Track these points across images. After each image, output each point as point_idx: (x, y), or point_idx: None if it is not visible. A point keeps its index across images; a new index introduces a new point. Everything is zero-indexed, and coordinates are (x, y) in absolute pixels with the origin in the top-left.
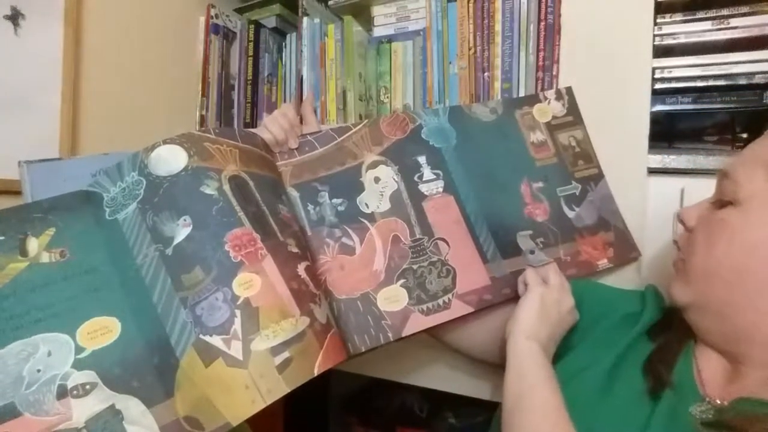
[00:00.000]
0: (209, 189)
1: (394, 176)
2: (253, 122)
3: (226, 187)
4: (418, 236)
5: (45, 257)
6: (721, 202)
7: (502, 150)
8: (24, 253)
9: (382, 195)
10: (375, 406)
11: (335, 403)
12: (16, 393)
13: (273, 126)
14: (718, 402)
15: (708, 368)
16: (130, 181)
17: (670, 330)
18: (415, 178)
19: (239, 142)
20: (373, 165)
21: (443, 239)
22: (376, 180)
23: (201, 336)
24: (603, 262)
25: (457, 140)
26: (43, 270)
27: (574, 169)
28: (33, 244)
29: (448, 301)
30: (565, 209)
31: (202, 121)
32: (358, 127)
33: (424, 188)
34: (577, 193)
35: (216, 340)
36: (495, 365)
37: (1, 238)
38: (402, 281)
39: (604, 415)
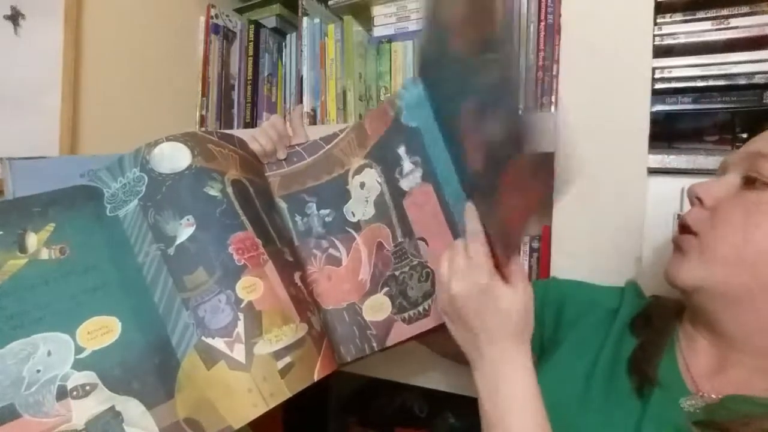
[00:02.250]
0: (213, 190)
1: (378, 178)
2: (253, 122)
3: (230, 190)
4: (399, 240)
5: (44, 254)
6: (754, 183)
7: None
8: (23, 249)
9: (367, 201)
10: (374, 407)
11: (335, 403)
12: (16, 394)
13: (262, 137)
14: (710, 396)
15: (694, 361)
16: (131, 177)
17: (650, 325)
18: (396, 174)
19: (238, 149)
20: (359, 170)
21: (422, 238)
22: (362, 185)
23: (203, 338)
24: None
25: (432, 103)
26: (42, 267)
27: None
28: (32, 240)
29: (427, 307)
30: None
31: (202, 121)
32: (345, 133)
33: (404, 183)
34: None
35: (218, 343)
36: None
37: (0, 232)
38: (386, 290)
39: (594, 418)
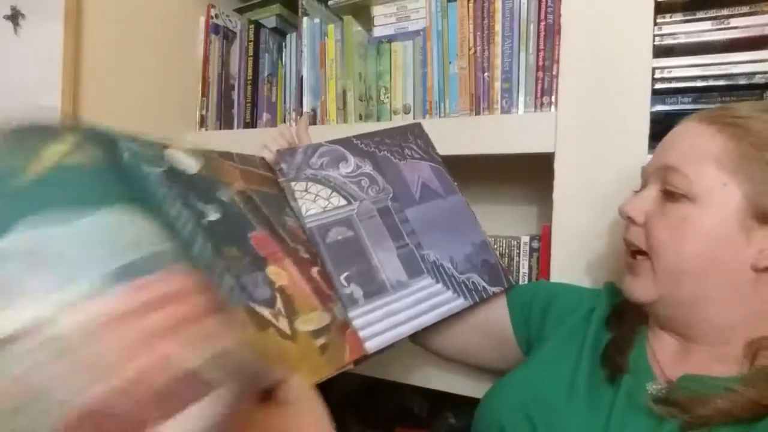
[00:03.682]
0: (224, 196)
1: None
2: (253, 122)
3: (237, 199)
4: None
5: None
6: (672, 196)
7: None
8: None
9: None
10: (374, 407)
11: (334, 403)
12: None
13: (273, 146)
14: (673, 380)
15: (661, 350)
16: (150, 154)
17: (623, 321)
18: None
19: (238, 164)
20: None
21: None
22: None
23: (250, 303)
24: None
25: None
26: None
27: None
28: (52, 151)
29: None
30: None
31: (202, 121)
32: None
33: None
34: None
35: (265, 312)
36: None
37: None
38: None
39: (579, 409)
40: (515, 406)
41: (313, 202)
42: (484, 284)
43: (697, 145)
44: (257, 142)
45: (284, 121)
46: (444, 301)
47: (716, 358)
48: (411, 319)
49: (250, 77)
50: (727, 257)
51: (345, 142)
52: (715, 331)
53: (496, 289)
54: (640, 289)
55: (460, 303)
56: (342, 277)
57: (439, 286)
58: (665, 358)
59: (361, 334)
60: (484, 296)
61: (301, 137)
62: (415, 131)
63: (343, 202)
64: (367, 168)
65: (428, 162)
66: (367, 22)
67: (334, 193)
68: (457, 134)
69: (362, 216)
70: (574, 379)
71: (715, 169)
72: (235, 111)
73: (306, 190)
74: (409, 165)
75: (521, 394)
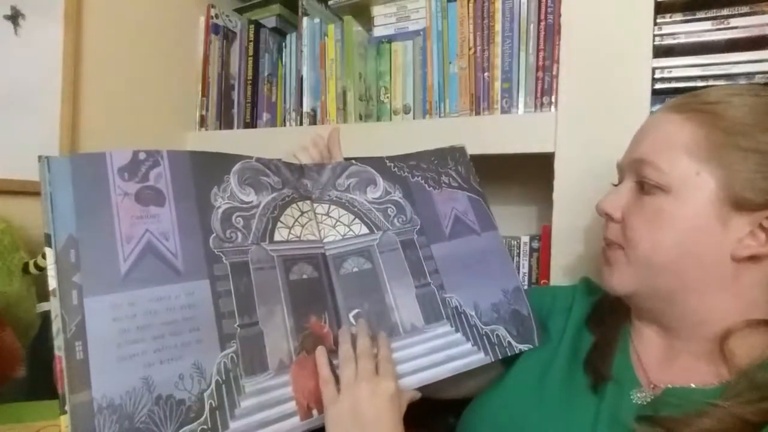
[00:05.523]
0: None
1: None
2: (253, 122)
3: None
4: None
5: None
6: (646, 188)
7: None
8: None
9: None
10: None
11: None
12: None
13: (303, 156)
14: (659, 387)
15: (646, 352)
16: None
17: (604, 321)
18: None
19: None
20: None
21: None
22: None
23: None
24: None
25: None
26: None
27: None
28: None
29: None
30: None
31: (202, 121)
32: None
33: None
34: None
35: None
36: None
37: None
38: None
39: (550, 416)
40: (489, 425)
41: (333, 228)
42: (510, 339)
43: (667, 135)
44: (257, 142)
45: (284, 122)
46: (461, 353)
47: (700, 355)
48: (421, 370)
49: (250, 77)
50: (704, 248)
51: (377, 163)
52: (696, 326)
53: (524, 347)
54: (616, 279)
55: (478, 358)
56: (351, 315)
57: (459, 335)
58: (650, 360)
59: None
60: (508, 353)
61: (333, 152)
62: (457, 155)
63: (365, 230)
64: (397, 195)
65: (466, 192)
66: (367, 22)
67: (357, 220)
68: (457, 134)
69: (383, 248)
70: (543, 384)
71: (687, 159)
72: (235, 111)
73: (327, 214)
74: (444, 195)
75: (495, 411)
